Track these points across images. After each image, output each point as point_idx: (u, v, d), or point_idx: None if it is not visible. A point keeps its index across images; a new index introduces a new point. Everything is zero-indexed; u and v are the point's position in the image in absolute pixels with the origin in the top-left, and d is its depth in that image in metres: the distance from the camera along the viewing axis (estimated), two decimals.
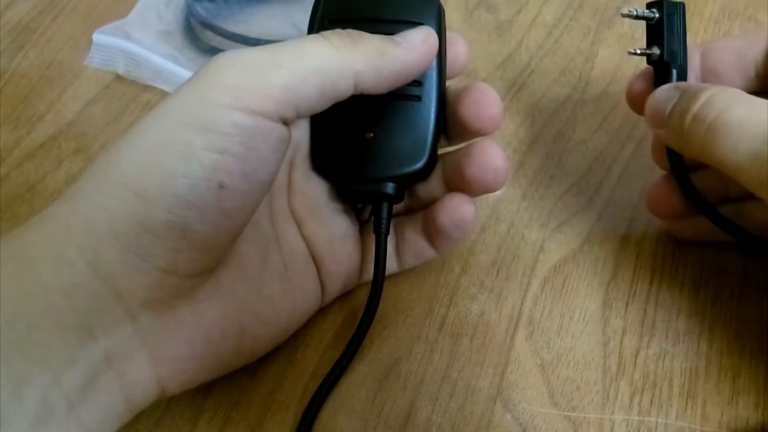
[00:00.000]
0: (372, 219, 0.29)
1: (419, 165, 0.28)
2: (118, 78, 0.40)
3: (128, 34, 0.40)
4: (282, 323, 0.28)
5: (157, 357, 0.23)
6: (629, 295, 0.31)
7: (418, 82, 0.28)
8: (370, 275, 0.29)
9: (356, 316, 0.30)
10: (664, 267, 0.32)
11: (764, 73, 0.29)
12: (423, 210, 0.30)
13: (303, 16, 0.41)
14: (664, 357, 0.29)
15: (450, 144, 0.30)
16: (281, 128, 0.24)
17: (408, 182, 0.29)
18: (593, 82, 0.39)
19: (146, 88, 0.39)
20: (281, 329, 0.28)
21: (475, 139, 0.29)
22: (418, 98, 0.28)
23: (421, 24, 0.27)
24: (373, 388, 0.29)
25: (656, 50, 0.28)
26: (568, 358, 0.30)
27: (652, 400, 0.28)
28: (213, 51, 0.40)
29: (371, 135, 0.28)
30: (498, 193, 0.35)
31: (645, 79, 0.29)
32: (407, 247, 0.30)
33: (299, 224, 0.29)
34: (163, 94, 0.39)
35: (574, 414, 0.28)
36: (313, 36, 0.25)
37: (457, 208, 0.28)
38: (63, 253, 0.21)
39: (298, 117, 0.24)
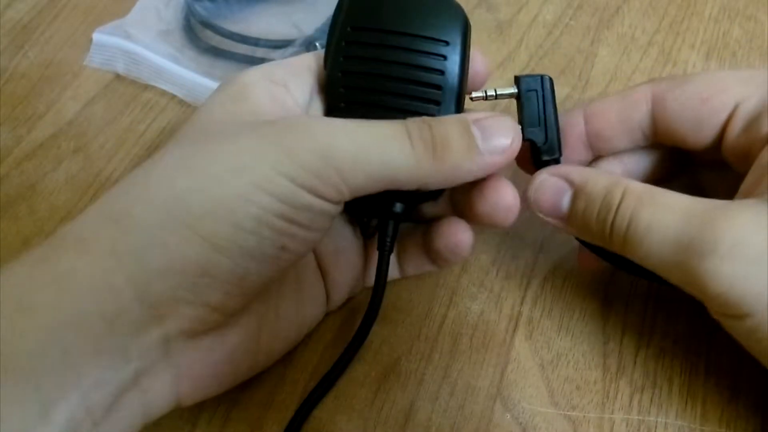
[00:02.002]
0: (376, 234, 0.28)
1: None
2: (118, 77, 0.40)
3: (128, 33, 0.40)
4: (293, 334, 0.29)
5: (180, 376, 0.24)
6: (629, 294, 0.31)
7: (436, 102, 0.26)
8: (372, 281, 0.29)
9: (355, 317, 0.30)
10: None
11: (651, 133, 0.29)
12: (426, 224, 0.30)
13: (303, 15, 0.41)
14: (664, 356, 0.29)
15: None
16: (340, 207, 0.25)
17: (416, 201, 0.28)
18: (593, 82, 0.39)
19: (146, 87, 0.39)
20: (292, 340, 0.29)
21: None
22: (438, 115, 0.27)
23: (445, 42, 0.26)
24: (373, 388, 0.29)
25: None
26: (567, 357, 0.30)
27: (651, 400, 0.28)
28: (213, 50, 0.40)
29: None
30: None
31: (527, 154, 0.29)
32: (408, 258, 0.31)
33: None
34: (163, 94, 0.39)
35: (573, 413, 0.28)
36: (398, 129, 0.24)
37: (454, 236, 0.28)
38: (110, 284, 0.21)
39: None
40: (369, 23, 0.27)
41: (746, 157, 0.26)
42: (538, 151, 0.28)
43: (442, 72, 0.26)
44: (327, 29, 0.28)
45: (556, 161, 0.28)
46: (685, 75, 0.30)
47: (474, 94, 0.28)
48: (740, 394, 0.28)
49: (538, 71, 0.39)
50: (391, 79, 0.26)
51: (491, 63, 0.40)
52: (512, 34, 0.41)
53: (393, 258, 0.30)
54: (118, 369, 0.21)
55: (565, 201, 0.27)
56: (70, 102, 0.39)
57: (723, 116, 0.27)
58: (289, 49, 0.38)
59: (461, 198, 0.29)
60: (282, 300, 0.28)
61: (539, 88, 0.28)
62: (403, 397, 0.29)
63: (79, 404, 0.20)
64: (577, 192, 0.26)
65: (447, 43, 0.26)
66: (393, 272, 0.31)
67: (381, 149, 0.24)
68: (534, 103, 0.28)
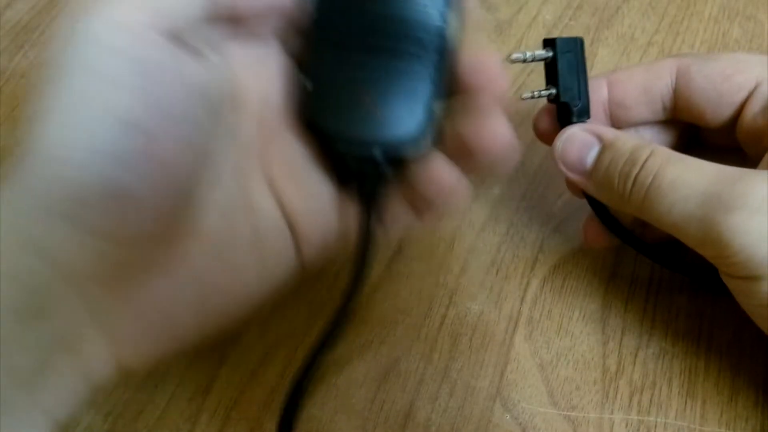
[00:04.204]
0: (358, 189, 0.26)
1: (409, 134, 0.25)
2: None
3: None
4: (252, 292, 0.26)
5: (110, 334, 0.22)
6: (629, 294, 0.31)
7: (419, 41, 0.25)
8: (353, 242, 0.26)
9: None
10: (662, 266, 0.32)
11: (671, 106, 0.29)
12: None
13: None
14: (664, 356, 0.29)
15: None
16: (166, 42, 0.21)
17: (398, 152, 0.25)
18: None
19: None
20: (252, 298, 0.26)
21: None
22: (418, 59, 0.25)
23: None
24: (372, 388, 0.29)
25: (553, 90, 0.28)
26: (567, 357, 0.30)
27: (651, 400, 0.28)
28: None
29: (368, 96, 0.25)
30: (496, 191, 0.35)
31: (549, 116, 0.29)
32: (390, 217, 0.27)
33: (271, 184, 0.26)
34: None
35: (573, 413, 0.28)
36: None
37: (448, 177, 0.26)
38: None
39: (184, 31, 0.22)
40: None
41: (760, 139, 0.27)
42: (570, 114, 0.28)
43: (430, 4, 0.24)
44: None
45: None
46: (709, 53, 0.30)
47: (513, 56, 0.28)
48: (740, 394, 0.28)
49: (539, 71, 0.39)
50: (378, 19, 0.24)
51: None
52: (512, 34, 0.41)
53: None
54: (35, 330, 0.20)
55: (591, 155, 0.27)
56: None
57: (742, 95, 0.27)
58: None
59: (456, 150, 0.26)
60: (230, 252, 0.25)
61: (574, 50, 0.28)
62: (403, 398, 0.29)
63: (4, 371, 0.19)
64: (605, 147, 0.27)
65: None
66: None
67: None
68: (569, 65, 0.28)
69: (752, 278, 0.23)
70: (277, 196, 0.26)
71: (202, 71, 0.22)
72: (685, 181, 0.24)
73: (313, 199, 0.27)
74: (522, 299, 0.31)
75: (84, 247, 0.21)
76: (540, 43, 0.41)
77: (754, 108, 0.27)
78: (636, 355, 0.29)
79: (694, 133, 0.31)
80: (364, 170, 0.25)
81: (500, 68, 0.24)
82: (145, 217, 0.22)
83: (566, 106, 0.28)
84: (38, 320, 0.21)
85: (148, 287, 0.23)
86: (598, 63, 0.39)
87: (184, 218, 0.23)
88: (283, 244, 0.26)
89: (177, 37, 0.22)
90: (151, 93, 0.21)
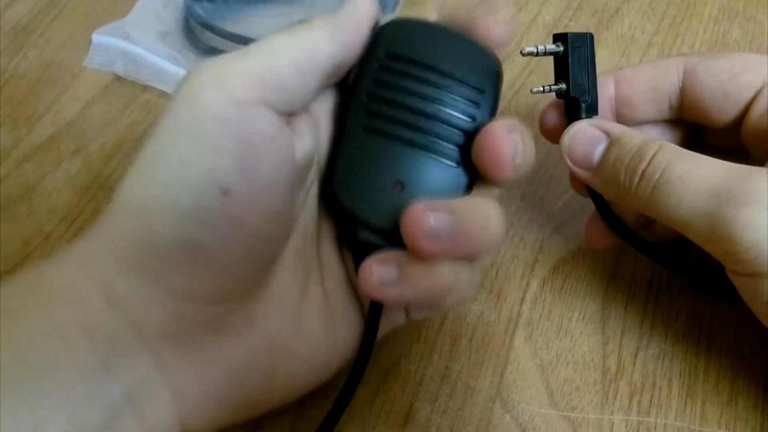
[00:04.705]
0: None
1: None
2: (117, 78, 0.40)
3: (127, 34, 0.40)
4: (322, 360, 0.25)
5: (178, 395, 0.22)
6: (628, 295, 0.31)
7: (459, 145, 0.25)
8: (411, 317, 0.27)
9: None
10: (663, 267, 0.32)
11: (677, 105, 0.29)
12: None
13: (303, 16, 0.41)
14: (664, 357, 0.29)
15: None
16: (272, 117, 0.22)
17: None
18: None
19: (145, 88, 0.39)
20: (321, 366, 0.25)
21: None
22: (457, 163, 0.25)
23: (478, 89, 0.25)
24: (372, 389, 0.29)
25: (563, 85, 0.28)
26: (567, 358, 0.30)
27: (651, 401, 0.28)
28: (212, 51, 0.40)
29: (399, 185, 0.24)
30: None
31: (557, 112, 0.29)
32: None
33: (344, 253, 0.27)
34: (162, 95, 0.39)
35: (573, 414, 0.28)
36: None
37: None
38: (80, 291, 0.21)
39: (290, 106, 0.23)
40: (406, 53, 0.25)
41: (765, 139, 0.27)
42: (578, 109, 0.28)
43: (473, 118, 0.25)
44: None
45: None
46: (717, 52, 0.30)
47: (526, 50, 0.28)
48: (740, 395, 0.28)
49: (538, 71, 0.39)
50: (420, 115, 0.24)
51: None
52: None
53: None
54: (105, 385, 0.20)
55: (598, 151, 0.27)
56: (69, 103, 0.39)
57: (749, 94, 0.27)
58: None
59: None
60: (303, 317, 0.24)
61: (584, 46, 0.28)
62: (403, 398, 0.29)
63: (70, 425, 0.19)
64: (613, 143, 0.27)
65: (482, 92, 0.25)
66: (400, 318, 0.27)
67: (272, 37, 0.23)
68: (580, 60, 0.28)
69: (760, 275, 0.23)
70: (347, 265, 0.26)
71: (287, 129, 0.23)
72: (695, 177, 0.24)
73: None
74: (522, 300, 0.31)
75: (161, 305, 0.21)
76: (540, 41, 0.41)
77: (760, 107, 0.27)
78: (636, 356, 0.29)
79: (697, 133, 0.31)
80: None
81: (511, 155, 0.24)
82: (223, 279, 0.22)
83: (575, 101, 0.28)
84: (109, 375, 0.20)
85: (219, 348, 0.22)
86: (598, 63, 0.39)
87: (261, 282, 0.23)
88: (353, 309, 0.26)
89: (286, 112, 0.22)
90: (247, 158, 0.21)
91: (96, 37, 0.40)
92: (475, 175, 0.25)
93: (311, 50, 0.23)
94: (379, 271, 0.23)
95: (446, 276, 0.23)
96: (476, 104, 0.25)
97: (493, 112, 0.26)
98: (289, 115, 0.23)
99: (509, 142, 0.23)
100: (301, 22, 0.24)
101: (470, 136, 0.25)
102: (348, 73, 0.25)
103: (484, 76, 0.25)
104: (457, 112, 0.25)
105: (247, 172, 0.21)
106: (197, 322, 0.22)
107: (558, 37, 0.28)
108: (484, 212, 0.23)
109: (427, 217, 0.22)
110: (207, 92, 0.21)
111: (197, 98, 0.21)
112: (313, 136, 0.25)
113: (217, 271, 0.21)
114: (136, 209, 0.21)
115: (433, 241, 0.22)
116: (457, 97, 0.25)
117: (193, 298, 0.21)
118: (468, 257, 0.24)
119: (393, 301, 0.24)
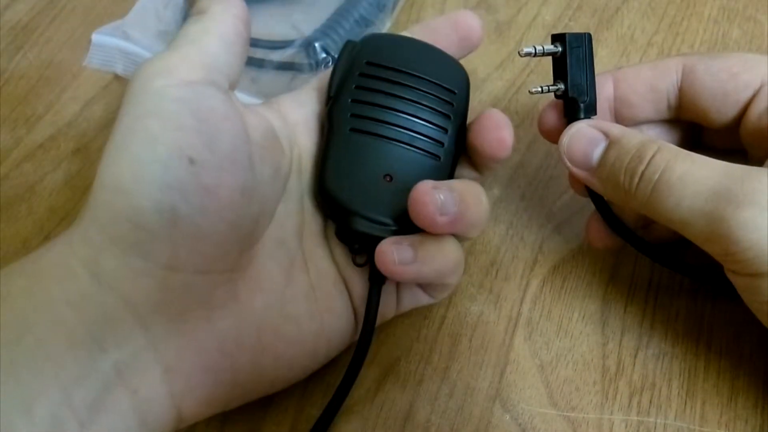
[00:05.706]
0: (367, 264, 0.27)
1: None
2: (117, 78, 0.40)
3: (127, 34, 0.40)
4: (308, 347, 0.27)
5: (169, 370, 0.22)
6: (628, 295, 0.31)
7: (440, 142, 0.28)
8: (404, 305, 0.29)
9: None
10: (663, 267, 0.32)
11: (676, 105, 0.29)
12: None
13: (302, 16, 0.41)
14: (663, 357, 0.29)
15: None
16: (220, 95, 0.24)
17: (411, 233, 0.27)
18: None
19: None
20: (307, 353, 0.27)
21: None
22: (438, 158, 0.28)
23: (450, 90, 0.28)
24: (372, 388, 0.29)
25: (561, 85, 0.28)
26: (567, 358, 0.30)
27: (651, 401, 0.28)
28: None
29: (388, 178, 0.27)
30: (496, 192, 0.35)
31: (556, 112, 0.29)
32: (406, 290, 0.29)
33: (332, 249, 0.28)
34: None
35: (573, 414, 0.28)
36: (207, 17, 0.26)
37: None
38: (68, 267, 0.21)
39: (230, 79, 0.25)
40: (383, 62, 0.28)
41: (764, 138, 0.27)
42: (577, 110, 0.28)
43: (448, 116, 0.28)
44: (326, 30, 0.28)
45: None
46: (716, 52, 0.30)
47: (524, 50, 0.28)
48: (739, 395, 0.28)
49: (538, 72, 0.39)
50: (401, 114, 0.27)
51: (490, 64, 0.40)
52: (511, 35, 0.41)
53: (392, 289, 0.29)
54: (96, 360, 0.21)
55: (597, 152, 0.27)
56: (69, 103, 0.39)
57: (748, 94, 0.27)
58: (288, 50, 0.38)
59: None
60: (287, 301, 0.26)
61: (582, 46, 0.28)
62: (402, 398, 0.29)
63: (62, 400, 0.20)
64: (612, 143, 0.27)
65: (454, 92, 0.28)
66: (390, 308, 0.29)
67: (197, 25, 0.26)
68: (578, 60, 0.28)
69: (759, 275, 0.23)
70: (336, 262, 0.28)
71: (236, 105, 0.25)
72: (695, 177, 0.24)
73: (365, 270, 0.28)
74: (522, 300, 0.31)
75: (148, 276, 0.22)
76: (539, 42, 0.41)
77: (759, 107, 0.27)
78: (636, 356, 0.29)
79: (696, 134, 0.31)
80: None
81: (511, 136, 0.27)
82: (206, 247, 0.23)
83: (574, 101, 0.28)
84: (100, 350, 0.21)
85: (208, 320, 0.24)
86: (598, 64, 0.39)
87: (244, 259, 0.25)
88: (341, 302, 0.28)
89: (231, 85, 0.25)
90: (206, 132, 0.23)
91: (96, 37, 0.40)
92: (454, 166, 0.29)
93: (224, 25, 0.26)
94: (398, 251, 0.25)
95: (454, 252, 0.26)
96: (450, 103, 0.28)
97: (465, 110, 0.29)
98: (232, 88, 0.26)
99: (509, 124, 0.27)
100: (193, 17, 0.26)
101: (447, 132, 0.28)
102: (329, 86, 0.28)
103: (455, 79, 0.29)
104: (434, 110, 0.28)
105: (207, 144, 0.23)
106: (185, 292, 0.23)
107: (556, 38, 0.28)
108: (476, 190, 0.26)
109: (438, 193, 0.25)
110: (159, 80, 0.24)
111: (152, 84, 0.24)
112: (279, 126, 0.28)
113: (201, 239, 0.23)
114: (114, 187, 0.22)
115: (444, 215, 0.25)
116: (433, 97, 0.28)
117: (180, 267, 0.23)
118: (465, 233, 0.27)
119: (410, 279, 0.26)
